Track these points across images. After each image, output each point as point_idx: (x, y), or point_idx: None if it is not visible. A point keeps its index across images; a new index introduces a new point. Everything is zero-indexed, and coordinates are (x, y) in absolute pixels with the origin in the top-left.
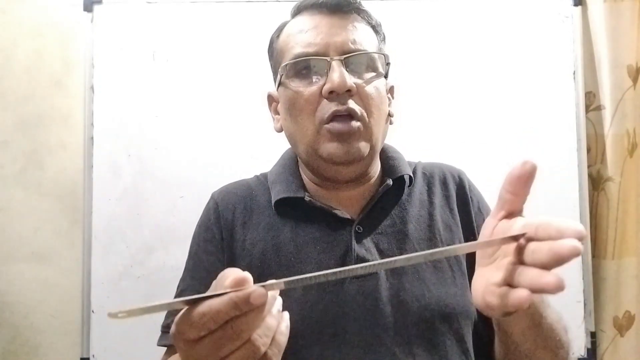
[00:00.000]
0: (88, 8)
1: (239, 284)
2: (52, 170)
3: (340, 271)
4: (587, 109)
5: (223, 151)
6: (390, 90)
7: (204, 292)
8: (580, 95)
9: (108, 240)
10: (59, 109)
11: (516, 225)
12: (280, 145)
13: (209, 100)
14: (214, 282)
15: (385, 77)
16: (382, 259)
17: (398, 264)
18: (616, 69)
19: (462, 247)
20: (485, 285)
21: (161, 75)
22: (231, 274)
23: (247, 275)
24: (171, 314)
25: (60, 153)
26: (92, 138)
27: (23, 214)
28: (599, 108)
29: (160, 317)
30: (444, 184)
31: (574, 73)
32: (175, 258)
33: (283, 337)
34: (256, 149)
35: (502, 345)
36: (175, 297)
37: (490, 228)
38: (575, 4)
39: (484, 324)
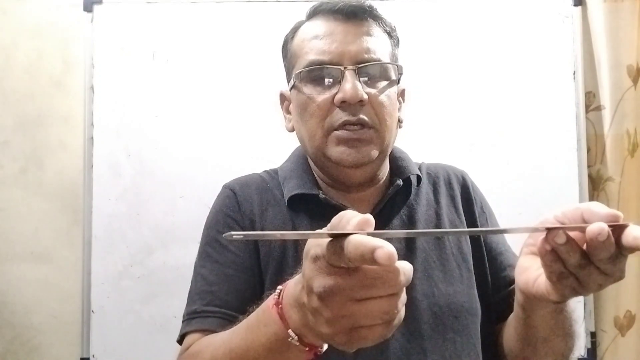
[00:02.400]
0: (88, 8)
1: (362, 226)
2: (52, 170)
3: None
4: (587, 109)
5: (223, 151)
6: (401, 94)
7: (232, 274)
8: (580, 95)
9: (108, 240)
10: (59, 109)
11: None
12: (280, 146)
13: (209, 100)
14: (334, 221)
15: (397, 83)
16: None
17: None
18: (616, 69)
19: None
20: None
21: (161, 75)
22: (352, 217)
23: (369, 217)
24: (193, 301)
25: (60, 153)
26: (92, 138)
27: (23, 214)
28: (599, 108)
29: (158, 316)
30: (449, 184)
31: (574, 73)
32: (175, 258)
33: (402, 315)
34: (256, 149)
35: (520, 331)
36: (196, 285)
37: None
38: (575, 4)
39: (488, 321)
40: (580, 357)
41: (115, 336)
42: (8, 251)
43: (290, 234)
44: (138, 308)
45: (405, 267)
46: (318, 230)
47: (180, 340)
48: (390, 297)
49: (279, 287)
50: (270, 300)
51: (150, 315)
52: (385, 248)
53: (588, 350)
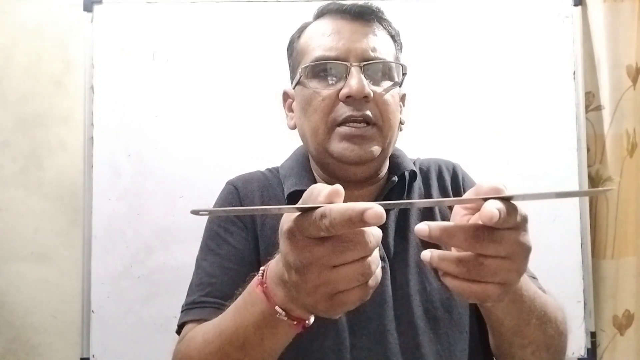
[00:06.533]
0: (88, 8)
1: (331, 199)
2: (52, 170)
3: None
4: (587, 109)
5: (223, 151)
6: (402, 98)
7: (232, 267)
8: (580, 95)
9: (108, 240)
10: (59, 109)
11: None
12: (280, 146)
13: (208, 100)
14: (305, 195)
15: (400, 86)
16: (387, 254)
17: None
18: (616, 69)
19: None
20: None
21: (161, 75)
22: (323, 187)
23: (339, 188)
24: (193, 292)
25: (60, 153)
26: (92, 138)
27: (23, 214)
28: (598, 108)
29: (158, 316)
30: (440, 176)
31: (574, 73)
32: (175, 258)
33: (379, 276)
34: (256, 149)
35: (490, 328)
36: (197, 277)
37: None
38: (575, 4)
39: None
40: (580, 357)
41: (115, 336)
42: (8, 251)
43: (262, 209)
44: (138, 308)
45: (372, 230)
46: (291, 206)
47: (179, 331)
48: (362, 260)
49: (262, 267)
50: (254, 281)
51: (150, 315)
52: (374, 208)
53: (588, 350)
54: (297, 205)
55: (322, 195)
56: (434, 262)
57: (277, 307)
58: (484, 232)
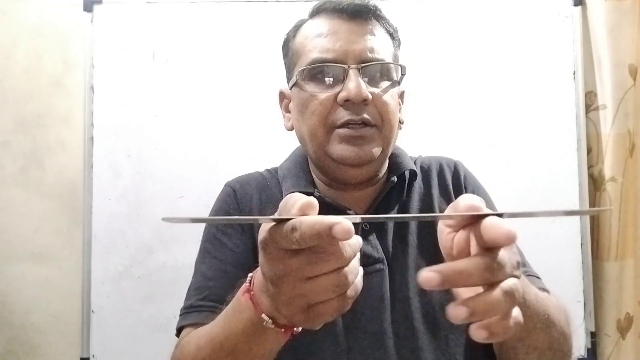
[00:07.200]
0: (88, 8)
1: (304, 211)
2: (52, 170)
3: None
4: (588, 108)
5: (223, 151)
6: (401, 96)
7: (230, 270)
8: (580, 95)
9: (108, 240)
10: (59, 109)
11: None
12: (280, 146)
13: (208, 100)
14: (281, 206)
15: (398, 84)
16: (386, 255)
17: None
18: (617, 68)
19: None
20: None
21: (161, 75)
22: (297, 199)
23: (313, 200)
24: (191, 296)
25: (60, 153)
26: (92, 138)
27: (23, 214)
28: (599, 108)
29: (158, 316)
30: (441, 174)
31: (574, 73)
32: (175, 258)
33: (359, 286)
34: (256, 149)
35: None
36: (195, 280)
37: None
38: (575, 4)
39: None
40: (580, 357)
41: (115, 336)
42: (8, 251)
43: (236, 219)
44: (138, 308)
45: (350, 241)
46: (264, 217)
47: (178, 335)
48: (338, 271)
49: (250, 274)
50: (242, 289)
51: (150, 315)
52: (342, 224)
53: (588, 350)
54: (269, 217)
55: (295, 208)
56: (476, 316)
57: (263, 315)
58: (489, 259)
